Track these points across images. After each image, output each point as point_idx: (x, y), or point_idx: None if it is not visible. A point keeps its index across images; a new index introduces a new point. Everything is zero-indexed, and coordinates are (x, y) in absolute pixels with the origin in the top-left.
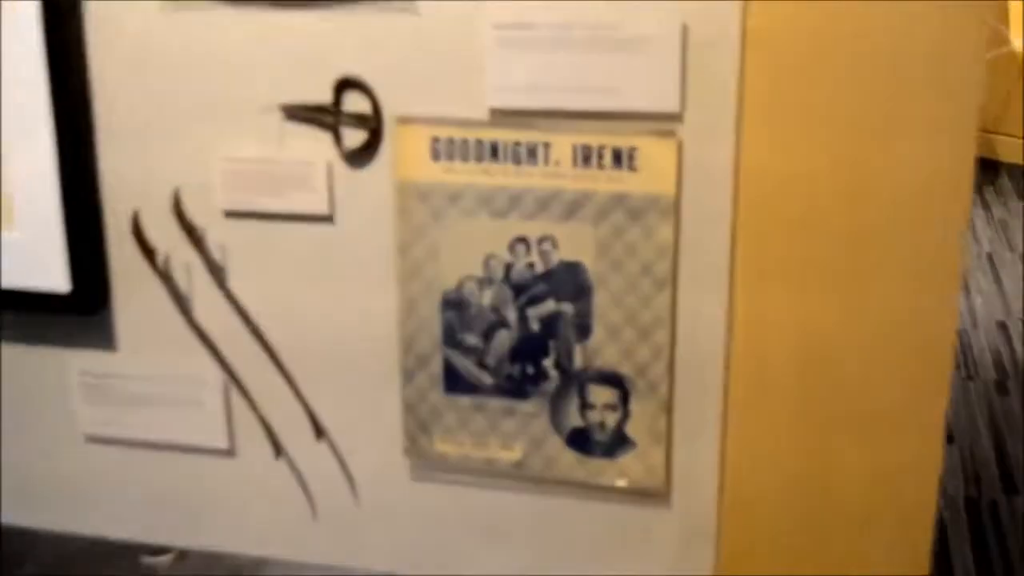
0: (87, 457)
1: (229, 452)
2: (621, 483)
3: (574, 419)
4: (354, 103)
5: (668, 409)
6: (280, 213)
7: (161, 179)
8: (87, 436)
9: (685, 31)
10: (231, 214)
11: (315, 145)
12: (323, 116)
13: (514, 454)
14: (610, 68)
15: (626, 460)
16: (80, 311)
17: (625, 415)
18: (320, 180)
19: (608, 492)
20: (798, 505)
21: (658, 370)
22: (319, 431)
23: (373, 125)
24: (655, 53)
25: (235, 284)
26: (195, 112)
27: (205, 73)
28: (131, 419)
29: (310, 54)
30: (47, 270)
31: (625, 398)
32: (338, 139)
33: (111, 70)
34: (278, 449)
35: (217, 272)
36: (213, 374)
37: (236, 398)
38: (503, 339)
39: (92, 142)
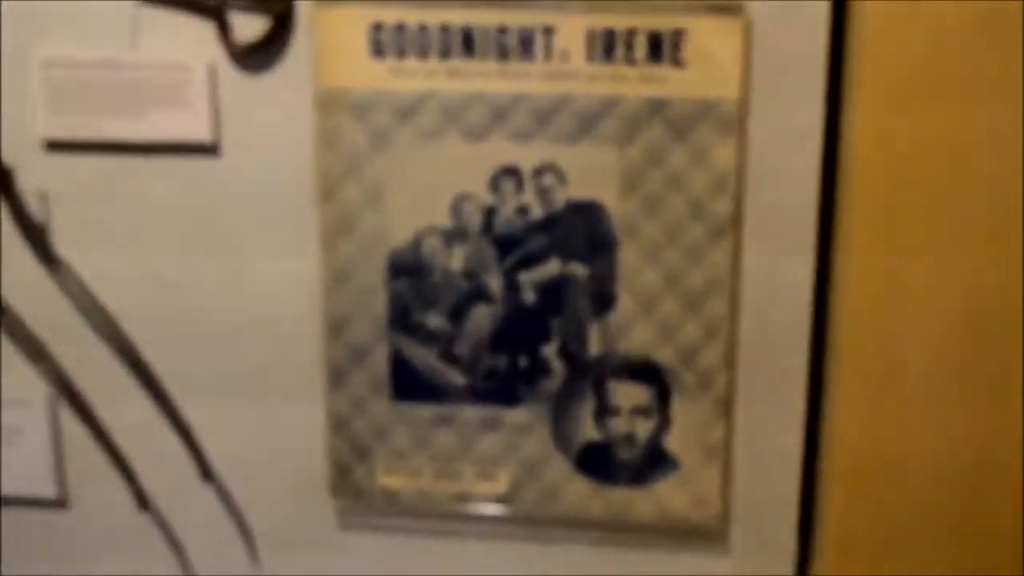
0: None
1: (60, 502)
2: (658, 520)
3: (588, 431)
4: None
5: (726, 413)
6: (136, 142)
7: None
8: None
9: None
10: (58, 146)
11: (189, 40)
12: None
13: (499, 486)
14: None
15: (665, 487)
16: None
17: (663, 423)
18: (198, 92)
19: (639, 533)
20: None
21: (712, 357)
22: (205, 470)
23: (279, 7)
24: None
25: (67, 252)
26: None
27: None
28: None
29: None
30: None
31: (664, 398)
32: (225, 30)
33: None
34: (142, 498)
35: (36, 235)
36: (35, 391)
37: (72, 425)
38: (481, 318)
39: None
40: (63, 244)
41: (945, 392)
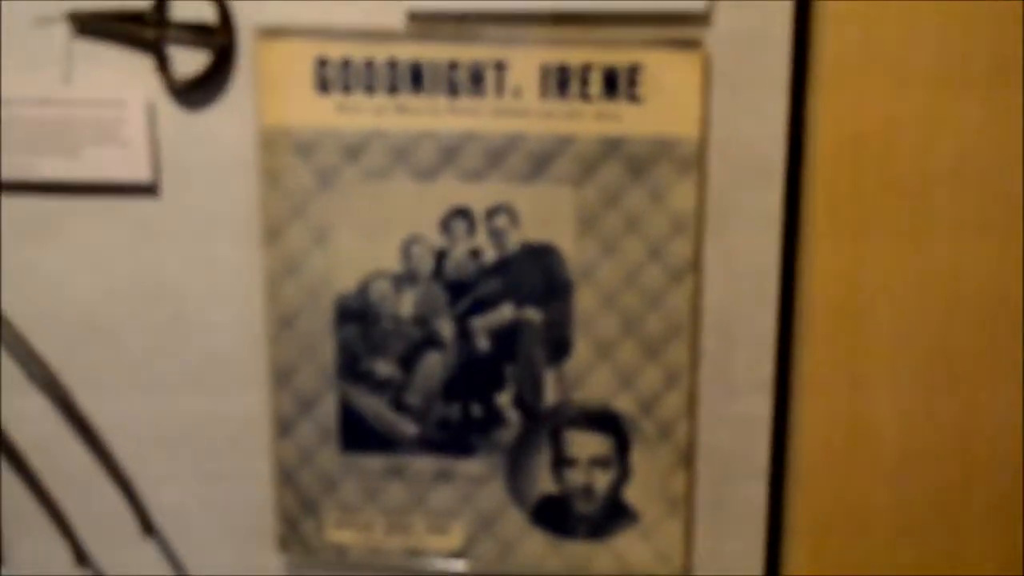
0: None
1: None
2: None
3: (544, 483)
4: (189, 6)
5: (688, 463)
6: (70, 182)
7: None
8: None
9: None
10: None
11: (126, 74)
12: (137, 28)
13: (452, 540)
14: None
15: (625, 541)
16: None
17: (623, 474)
18: (135, 129)
19: None
20: None
21: (672, 405)
22: (146, 524)
23: (221, 41)
24: None
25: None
26: None
27: None
28: None
29: None
30: None
31: (622, 448)
32: (163, 64)
33: None
34: (80, 554)
35: None
36: None
37: (7, 477)
38: (433, 366)
39: None
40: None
41: (915, 443)
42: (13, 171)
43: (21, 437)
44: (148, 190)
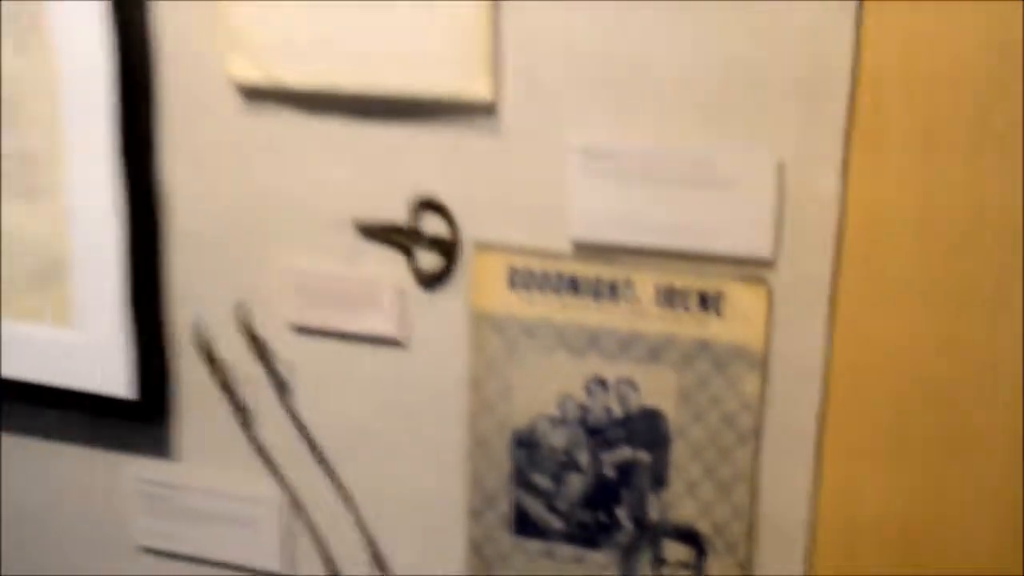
0: (139, 567)
1: None
2: None
3: (646, 574)
4: (431, 224)
5: (746, 574)
6: (351, 333)
7: (229, 288)
8: (140, 547)
9: (781, 171)
10: (300, 329)
11: (388, 265)
12: (398, 236)
13: None
14: (700, 206)
15: None
16: (142, 418)
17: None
18: (391, 302)
19: None
20: None
21: (737, 530)
22: (380, 564)
23: (450, 249)
24: (748, 193)
25: (300, 402)
26: (267, 221)
27: (280, 181)
28: (186, 533)
29: (388, 169)
30: (109, 374)
31: (701, 557)
32: (412, 260)
33: (182, 171)
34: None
35: (282, 388)
36: (272, 493)
37: (295, 520)
38: (574, 483)
39: (158, 246)
40: (300, 398)
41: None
42: (311, 321)
43: (304, 496)
44: (398, 344)
